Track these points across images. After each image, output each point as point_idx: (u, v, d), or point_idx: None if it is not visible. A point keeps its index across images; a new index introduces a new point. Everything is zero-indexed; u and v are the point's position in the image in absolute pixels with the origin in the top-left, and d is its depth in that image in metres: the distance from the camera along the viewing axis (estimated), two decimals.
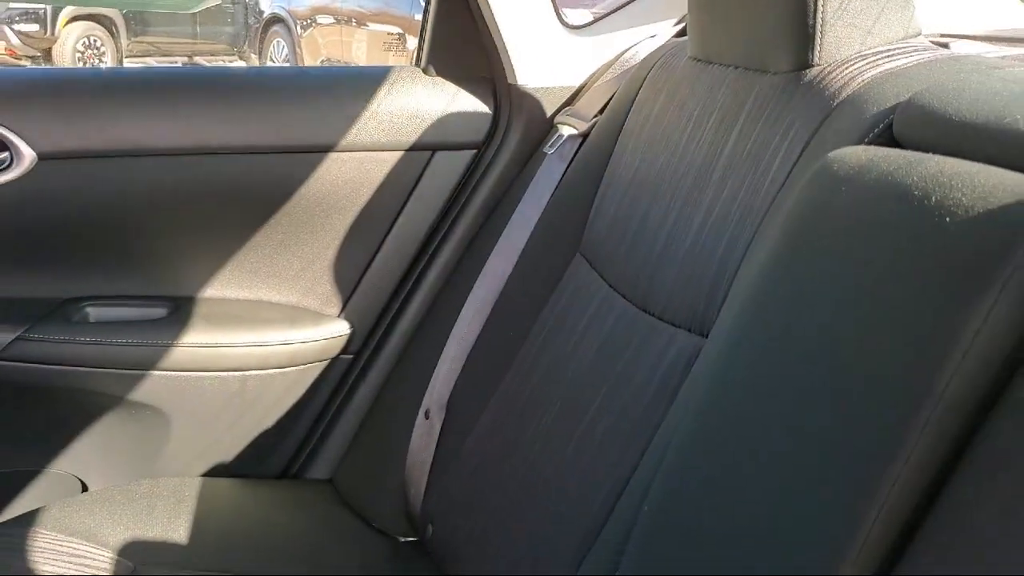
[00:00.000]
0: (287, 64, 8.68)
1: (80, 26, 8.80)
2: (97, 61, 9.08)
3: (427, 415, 1.20)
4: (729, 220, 0.87)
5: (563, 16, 1.32)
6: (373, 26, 7.23)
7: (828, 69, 0.83)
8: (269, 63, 8.96)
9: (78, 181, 1.21)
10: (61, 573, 1.01)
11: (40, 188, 1.19)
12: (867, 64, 0.81)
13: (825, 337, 0.61)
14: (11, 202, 1.18)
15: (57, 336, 1.21)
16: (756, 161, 0.86)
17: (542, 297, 1.12)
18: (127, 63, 9.46)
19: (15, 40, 8.20)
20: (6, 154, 1.16)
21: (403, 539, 1.22)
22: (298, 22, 8.51)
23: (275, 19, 8.96)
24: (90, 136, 1.20)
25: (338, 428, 1.35)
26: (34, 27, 8.45)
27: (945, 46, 0.96)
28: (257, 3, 10.33)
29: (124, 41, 9.30)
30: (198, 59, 10.18)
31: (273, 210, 1.28)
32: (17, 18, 8.14)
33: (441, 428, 1.18)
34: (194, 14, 10.70)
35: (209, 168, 1.25)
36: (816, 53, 0.84)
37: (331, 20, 7.84)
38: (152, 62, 9.97)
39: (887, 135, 0.72)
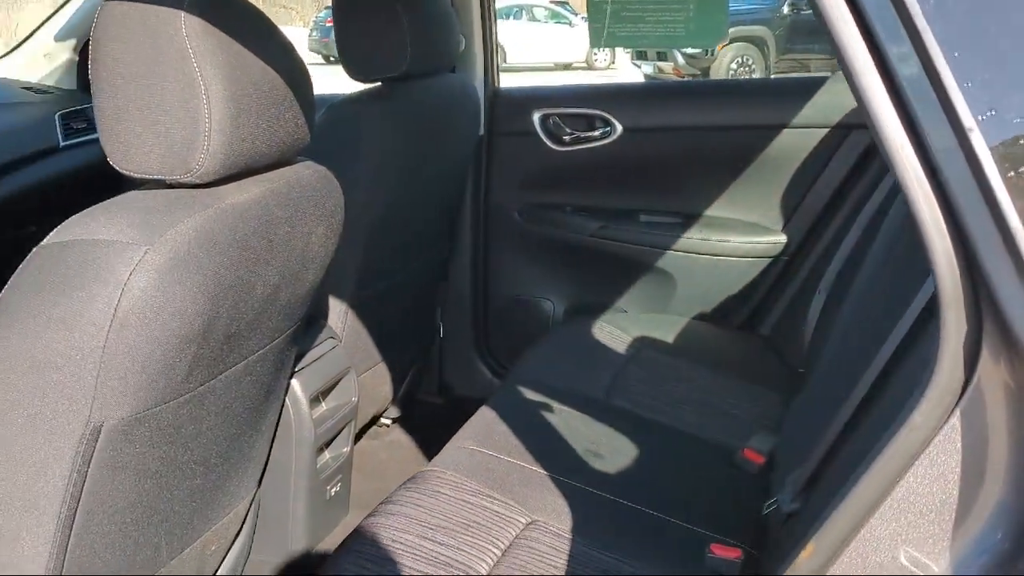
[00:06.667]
0: None
1: (735, 47, 9.86)
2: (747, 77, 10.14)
3: (820, 291, 1.92)
4: None
5: None
6: None
7: None
8: None
9: (642, 143, 2.16)
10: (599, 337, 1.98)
11: (624, 147, 2.16)
12: None
13: None
14: (610, 155, 2.18)
15: (624, 228, 2.19)
16: None
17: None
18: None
19: (681, 60, 9.67)
20: (609, 127, 2.16)
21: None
22: None
23: None
24: (649, 118, 2.15)
25: (777, 303, 2.12)
26: (698, 49, 9.76)
27: None
28: None
29: (773, 58, 10.25)
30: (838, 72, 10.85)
31: (747, 163, 2.10)
32: None
33: (825, 299, 1.90)
34: None
35: (711, 138, 2.11)
36: None
37: None
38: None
39: None
